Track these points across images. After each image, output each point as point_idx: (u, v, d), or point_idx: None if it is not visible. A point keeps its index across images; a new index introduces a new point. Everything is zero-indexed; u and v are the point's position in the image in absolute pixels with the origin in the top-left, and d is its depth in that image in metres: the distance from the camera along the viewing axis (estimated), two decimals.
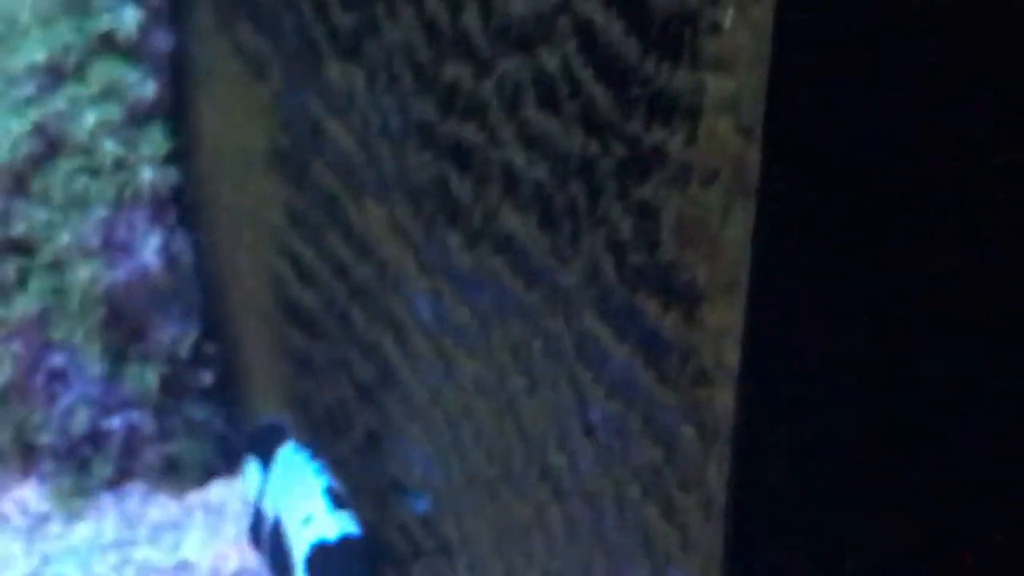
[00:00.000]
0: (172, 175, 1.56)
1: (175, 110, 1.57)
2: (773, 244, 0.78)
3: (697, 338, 0.85)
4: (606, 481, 0.96)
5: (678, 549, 0.90)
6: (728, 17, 0.79)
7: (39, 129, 1.56)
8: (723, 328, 0.83)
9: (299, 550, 1.31)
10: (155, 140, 1.57)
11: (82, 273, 1.55)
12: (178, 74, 1.55)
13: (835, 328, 0.82)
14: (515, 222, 1.02)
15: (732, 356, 0.82)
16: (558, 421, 1.01)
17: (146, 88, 1.56)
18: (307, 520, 1.32)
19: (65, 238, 1.56)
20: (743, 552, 0.87)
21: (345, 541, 1.30)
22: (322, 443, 1.40)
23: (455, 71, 1.07)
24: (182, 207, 1.57)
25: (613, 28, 0.89)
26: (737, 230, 0.80)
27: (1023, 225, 0.81)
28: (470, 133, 1.06)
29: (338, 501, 1.33)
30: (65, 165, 1.57)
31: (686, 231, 0.85)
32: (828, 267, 0.80)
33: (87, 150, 1.57)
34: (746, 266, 0.80)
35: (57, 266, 1.56)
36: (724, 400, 0.84)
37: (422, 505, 1.23)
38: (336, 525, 1.30)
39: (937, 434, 0.85)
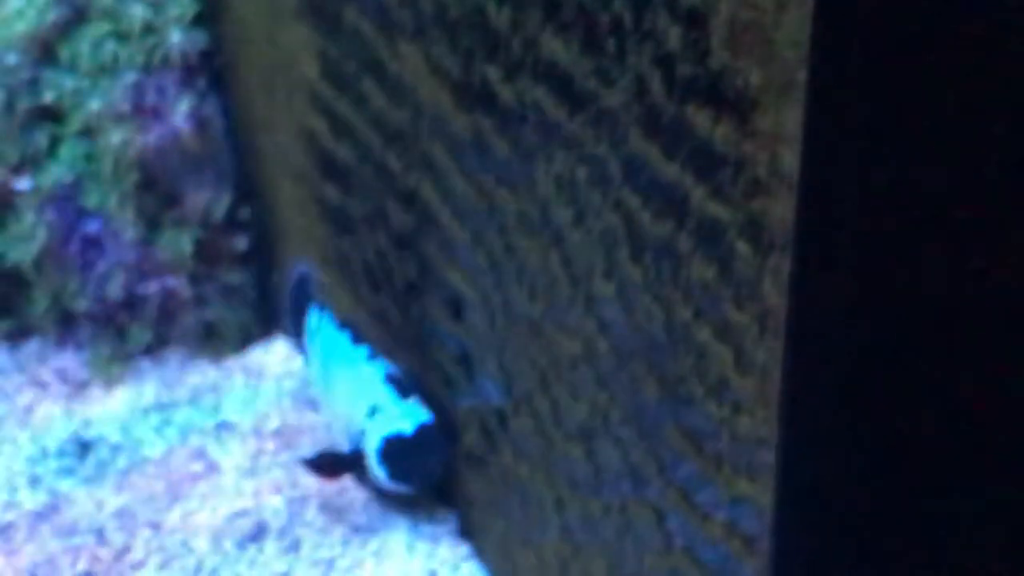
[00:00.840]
0: (201, 38, 1.54)
1: None
2: (832, 41, 0.76)
3: (751, 147, 0.83)
4: (656, 307, 0.94)
5: (732, 369, 0.88)
6: None
7: None
8: (778, 134, 0.80)
9: (370, 442, 1.29)
10: (183, 2, 1.54)
11: (113, 139, 1.53)
12: None
13: (899, 138, 0.80)
14: (557, 47, 0.99)
15: (790, 163, 0.80)
16: (605, 250, 0.99)
17: None
18: (373, 412, 1.30)
19: (95, 105, 1.54)
20: (799, 370, 0.85)
21: (421, 431, 1.28)
22: (360, 298, 1.38)
23: None
24: (212, 70, 1.55)
25: None
26: (792, 29, 0.77)
27: None
28: None
29: (402, 389, 1.31)
30: (92, 31, 1.55)
31: (737, 35, 0.82)
32: (894, 70, 0.78)
33: (114, 15, 1.55)
34: (804, 65, 0.77)
35: (88, 133, 1.55)
36: (781, 210, 0.81)
37: (465, 350, 1.21)
38: (408, 417, 1.29)
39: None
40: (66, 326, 1.56)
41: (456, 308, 1.21)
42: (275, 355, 1.55)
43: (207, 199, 1.56)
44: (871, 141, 0.79)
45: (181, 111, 1.54)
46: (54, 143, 1.55)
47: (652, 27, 0.89)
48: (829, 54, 0.77)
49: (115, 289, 1.54)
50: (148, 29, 1.54)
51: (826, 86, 0.78)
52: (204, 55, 1.55)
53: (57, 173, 1.54)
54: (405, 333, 1.32)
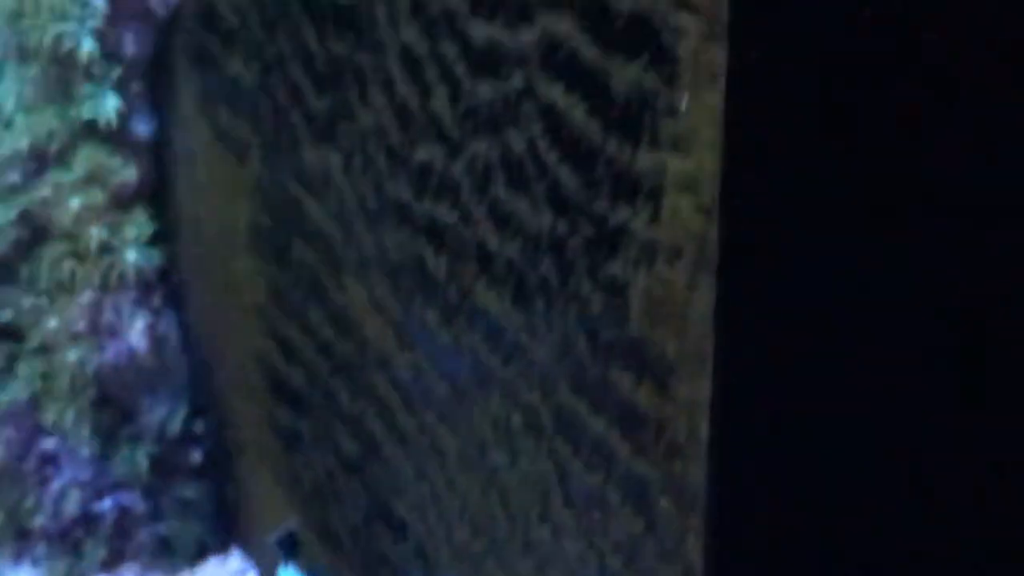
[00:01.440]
0: (156, 257, 1.59)
1: (158, 193, 1.59)
2: (736, 318, 0.81)
3: (669, 411, 0.87)
4: (591, 553, 0.98)
5: None
6: (684, 101, 0.82)
7: (25, 216, 1.59)
8: (693, 401, 0.85)
9: None
10: (139, 223, 1.59)
11: (70, 357, 1.57)
12: (160, 158, 1.58)
13: (802, 396, 0.84)
14: (490, 299, 1.04)
15: (703, 428, 0.84)
16: (540, 494, 1.02)
17: (129, 173, 1.58)
18: None
19: (53, 323, 1.58)
20: None
21: None
22: (311, 518, 1.41)
23: (427, 152, 1.09)
24: (167, 288, 1.59)
25: (576, 111, 0.92)
26: (702, 305, 0.82)
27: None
28: (443, 212, 1.08)
29: None
30: (51, 251, 1.59)
31: (654, 307, 0.87)
32: (791, 337, 0.82)
33: (72, 235, 1.59)
34: (711, 340, 0.82)
35: (46, 351, 1.58)
36: (697, 472, 0.86)
37: None
38: None
39: (918, 492, 0.87)
40: (22, 542, 1.59)
41: (403, 536, 1.25)
42: (230, 568, 1.57)
43: (162, 414, 1.59)
44: (781, 413, 0.84)
45: (137, 329, 1.58)
46: (11, 361, 1.59)
47: (577, 291, 0.94)
48: (735, 330, 0.82)
49: (71, 506, 1.56)
50: (105, 249, 1.59)
51: (734, 358, 0.82)
52: (160, 273, 1.60)
53: (15, 391, 1.58)
54: (354, 556, 1.35)
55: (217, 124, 1.44)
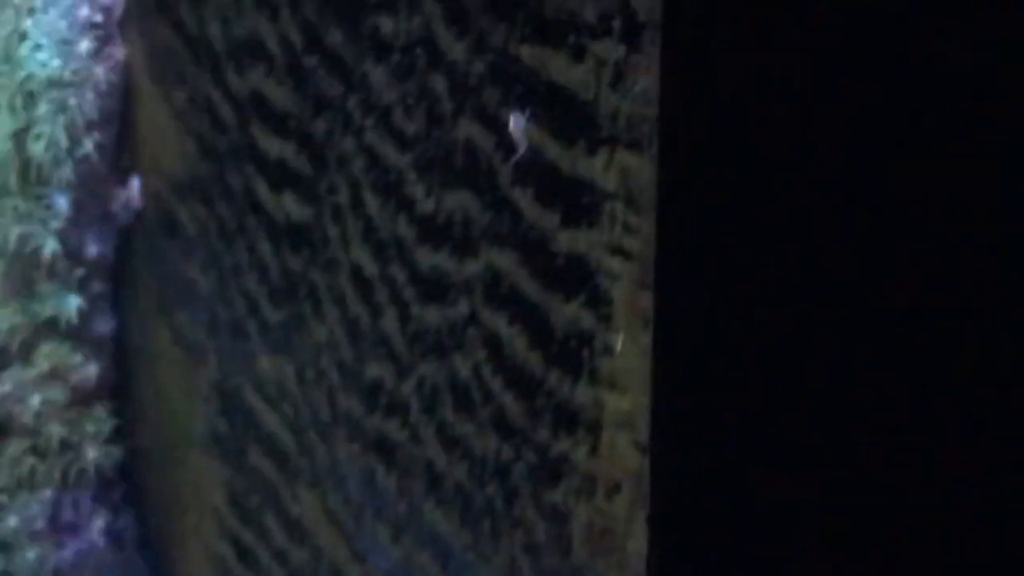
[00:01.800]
0: (116, 454, 1.60)
1: (118, 391, 1.61)
2: (671, 557, 0.83)
3: None
4: None
5: None
6: (619, 341, 0.85)
7: None
8: None
9: None
10: (99, 420, 1.61)
11: (30, 555, 1.58)
12: (121, 356, 1.60)
13: None
14: (438, 517, 1.06)
15: None
16: None
17: (89, 370, 1.61)
18: None
19: (12, 521, 1.59)
20: None
21: None
22: None
23: (378, 370, 1.12)
24: (127, 485, 1.61)
25: (518, 341, 0.95)
26: (639, 542, 0.85)
27: None
28: (393, 430, 1.11)
29: None
30: (11, 448, 1.61)
31: (595, 538, 0.89)
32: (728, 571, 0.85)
33: (33, 432, 1.61)
34: None
35: (5, 549, 1.59)
36: None
37: None
38: None
39: None
40: None
41: None
42: None
43: None
44: None
45: (97, 526, 1.59)
46: None
47: (522, 516, 0.96)
48: (671, 569, 0.84)
49: None
50: (65, 446, 1.61)
51: None
52: (119, 469, 1.61)
53: None
54: None
55: (175, 327, 1.47)
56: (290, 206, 1.21)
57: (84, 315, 1.59)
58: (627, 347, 0.84)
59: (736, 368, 0.82)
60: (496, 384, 0.97)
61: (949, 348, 0.87)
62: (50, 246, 1.57)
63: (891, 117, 0.83)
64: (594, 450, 0.88)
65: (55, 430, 1.60)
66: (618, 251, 0.85)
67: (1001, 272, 0.87)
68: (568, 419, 0.91)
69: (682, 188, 0.81)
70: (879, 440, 0.86)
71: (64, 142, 1.53)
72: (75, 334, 1.61)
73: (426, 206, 1.03)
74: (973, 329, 0.86)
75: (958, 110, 0.84)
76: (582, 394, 0.89)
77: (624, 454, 0.86)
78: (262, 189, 1.25)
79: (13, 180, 1.58)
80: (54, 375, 1.61)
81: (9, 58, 1.58)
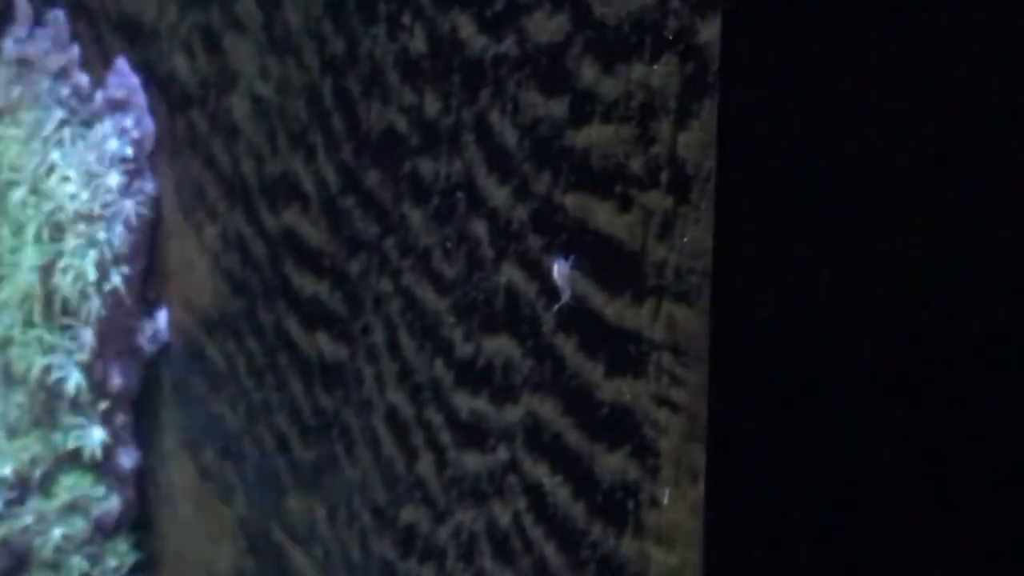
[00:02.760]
0: None
1: (140, 525, 1.59)
2: None
3: None
4: None
5: None
6: (666, 494, 0.84)
7: (6, 544, 1.59)
8: None
9: None
10: (120, 553, 1.59)
11: None
12: (144, 490, 1.59)
13: None
14: None
15: None
16: None
17: (111, 503, 1.59)
18: None
19: None
20: None
21: None
22: None
23: (412, 515, 1.11)
24: None
25: (561, 491, 0.93)
26: None
27: None
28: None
29: None
30: None
31: None
32: None
33: (54, 565, 1.59)
34: None
35: None
36: None
37: None
38: None
39: None
40: None
41: None
42: None
43: None
44: None
45: None
46: None
47: None
48: None
49: None
50: None
51: None
52: None
53: None
54: None
55: (201, 463, 1.46)
56: (323, 345, 1.20)
57: (107, 448, 1.58)
58: (675, 500, 0.83)
59: (791, 524, 0.80)
60: (537, 533, 0.96)
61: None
62: (74, 378, 1.57)
63: (950, 245, 0.82)
64: None
65: (76, 563, 1.59)
66: (665, 402, 0.84)
67: None
68: (613, 573, 0.89)
69: (733, 339, 0.80)
70: None
71: (92, 276, 1.52)
72: (98, 467, 1.60)
73: (465, 350, 1.02)
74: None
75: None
76: (627, 547, 0.88)
77: None
78: (294, 327, 1.24)
79: (38, 311, 1.57)
80: (75, 507, 1.60)
81: (37, 190, 1.59)
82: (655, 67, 0.82)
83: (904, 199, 0.82)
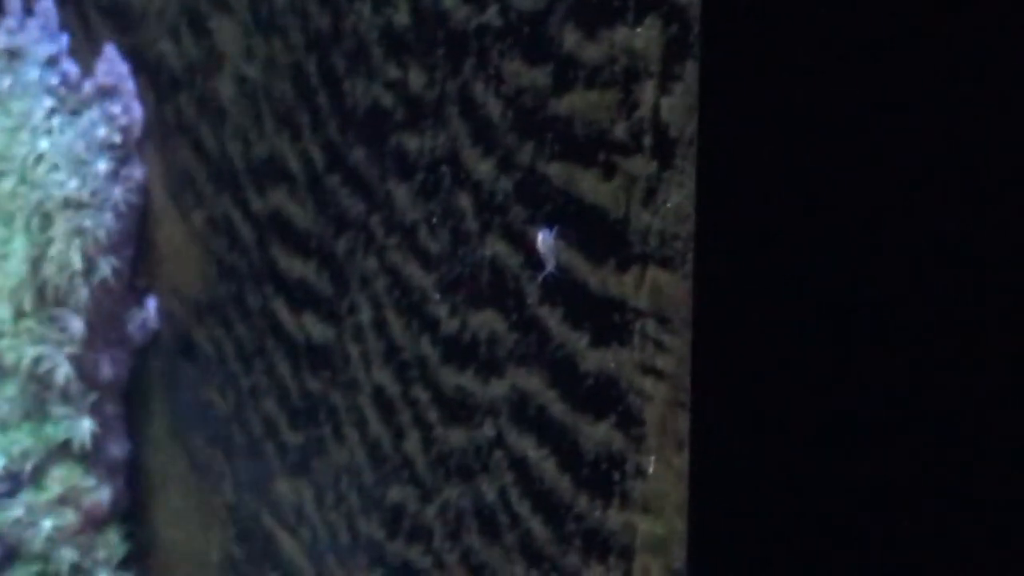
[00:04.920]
0: None
1: (131, 515, 1.58)
2: None
3: None
4: None
5: None
6: (652, 463, 0.83)
7: None
8: None
9: None
10: (111, 544, 1.58)
11: None
12: (133, 480, 1.58)
13: None
14: None
15: None
16: None
17: (102, 494, 1.58)
18: None
19: None
20: None
21: None
22: None
23: (400, 494, 1.10)
24: None
25: (546, 465, 0.93)
26: None
27: None
28: (416, 556, 1.08)
29: None
30: (21, 572, 1.58)
31: None
32: None
33: (43, 557, 1.58)
34: None
35: None
36: None
37: None
38: None
39: None
40: None
41: None
42: None
43: None
44: None
45: None
46: None
47: None
48: None
49: None
50: (77, 571, 1.58)
51: None
52: None
53: None
54: None
55: (191, 450, 1.45)
56: (311, 327, 1.19)
57: (97, 438, 1.57)
58: (660, 469, 0.82)
59: (774, 490, 0.79)
60: (523, 508, 0.95)
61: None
62: (63, 369, 1.56)
63: (931, 218, 0.82)
64: None
65: (66, 555, 1.58)
66: (650, 370, 0.83)
67: None
68: (599, 545, 0.88)
69: (717, 305, 0.79)
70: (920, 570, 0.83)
71: (79, 265, 1.51)
72: (88, 458, 1.59)
73: (450, 326, 1.01)
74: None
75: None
76: (613, 518, 0.87)
77: None
78: (282, 310, 1.23)
79: (29, 302, 1.56)
80: (66, 499, 1.59)
81: (26, 179, 1.58)
82: (638, 30, 0.81)
83: (890, 164, 0.81)
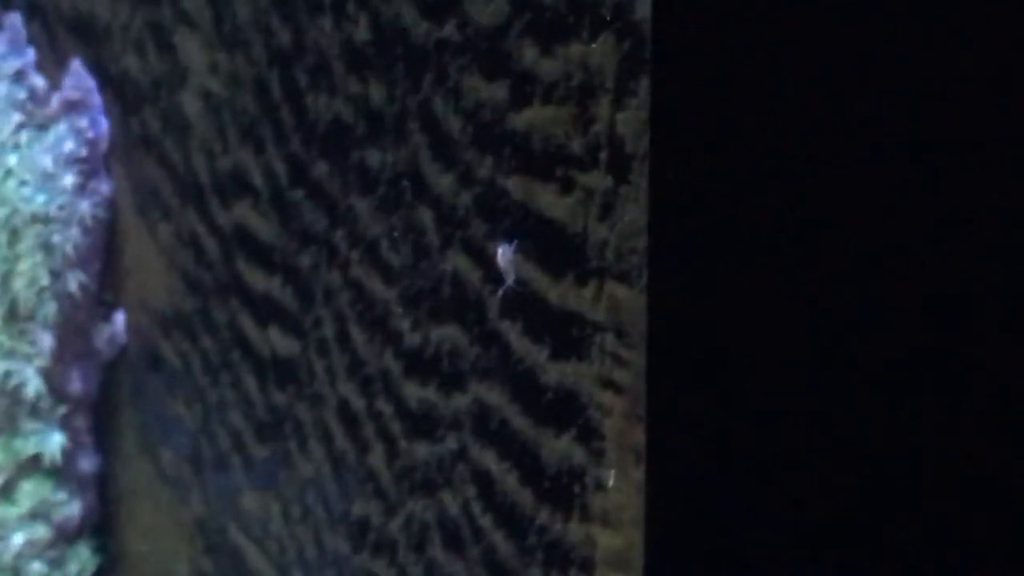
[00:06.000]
0: None
1: (101, 529, 1.58)
2: None
3: None
4: None
5: None
6: (611, 476, 0.83)
7: None
8: None
9: None
10: (82, 558, 1.58)
11: None
12: (104, 494, 1.58)
13: None
14: None
15: None
16: None
17: (72, 508, 1.58)
18: None
19: None
20: None
21: None
22: None
23: (364, 508, 1.10)
24: None
25: (509, 478, 0.93)
26: None
27: None
28: (381, 569, 1.08)
29: None
30: None
31: None
32: None
33: (14, 571, 1.58)
34: None
35: None
36: None
37: None
38: None
39: None
40: None
41: None
42: None
43: None
44: None
45: None
46: None
47: None
48: None
49: None
50: None
51: None
52: None
53: None
54: None
55: (159, 463, 1.45)
56: (276, 340, 1.20)
57: (67, 453, 1.57)
58: (619, 482, 0.83)
59: (732, 504, 0.80)
60: (486, 521, 0.95)
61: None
62: (33, 384, 1.55)
63: (890, 248, 0.82)
64: None
65: (37, 569, 1.58)
66: (609, 384, 0.83)
67: None
68: (560, 557, 0.88)
69: (672, 318, 0.80)
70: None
71: (47, 279, 1.51)
72: (58, 472, 1.59)
73: (413, 340, 1.02)
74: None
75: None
76: (574, 531, 0.87)
77: None
78: (247, 324, 1.24)
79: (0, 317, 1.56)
80: (37, 513, 1.59)
81: None
82: (593, 46, 0.81)
83: (843, 173, 0.81)
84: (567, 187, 0.85)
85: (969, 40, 0.81)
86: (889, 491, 0.83)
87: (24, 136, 1.57)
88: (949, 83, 0.82)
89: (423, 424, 1.01)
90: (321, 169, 1.10)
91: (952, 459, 0.85)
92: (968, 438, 0.86)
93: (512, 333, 0.91)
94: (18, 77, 1.61)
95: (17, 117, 1.59)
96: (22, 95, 1.59)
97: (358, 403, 1.09)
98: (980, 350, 0.85)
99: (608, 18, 0.80)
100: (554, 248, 0.87)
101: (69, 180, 1.51)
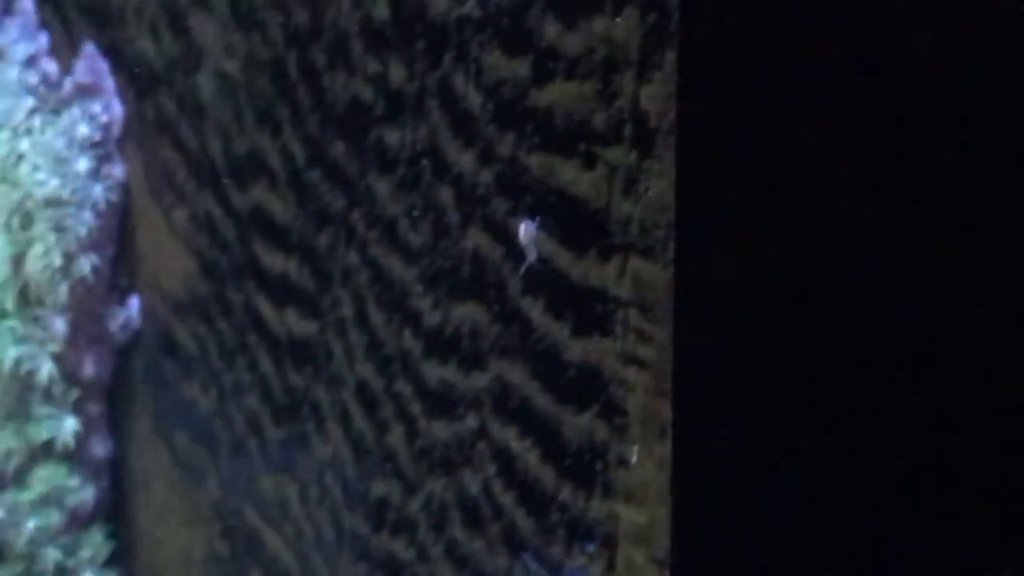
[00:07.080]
0: None
1: (115, 514, 1.58)
2: None
3: None
4: None
5: None
6: (634, 452, 0.83)
7: None
8: None
9: None
10: (95, 544, 1.58)
11: None
12: (117, 479, 1.58)
13: None
14: None
15: None
16: None
17: (86, 493, 1.58)
18: None
19: None
20: None
21: None
22: None
23: (383, 488, 1.10)
24: None
25: (529, 455, 0.93)
26: None
27: None
28: (400, 549, 1.08)
29: None
30: (5, 573, 1.58)
31: None
32: None
33: (28, 557, 1.58)
34: None
35: None
36: None
37: None
38: None
39: None
40: None
41: None
42: None
43: None
44: None
45: None
46: None
47: None
48: None
49: None
50: (61, 570, 1.58)
51: None
52: None
53: None
54: None
55: (174, 448, 1.45)
56: (293, 322, 1.19)
57: (80, 438, 1.57)
58: (643, 458, 0.82)
59: (757, 480, 0.80)
60: (507, 500, 0.95)
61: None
62: (46, 369, 1.55)
63: (912, 207, 0.82)
64: (611, 566, 0.86)
65: (51, 554, 1.57)
66: (632, 360, 0.83)
67: None
68: (582, 535, 0.88)
69: (698, 294, 0.79)
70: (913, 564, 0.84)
71: (60, 263, 1.51)
72: (71, 457, 1.58)
73: (432, 319, 1.02)
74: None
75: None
76: (596, 509, 0.87)
77: (642, 570, 0.83)
78: (264, 306, 1.23)
79: (11, 302, 1.56)
80: (50, 499, 1.59)
81: (6, 178, 1.57)
82: (617, 20, 0.81)
83: (874, 153, 0.81)
84: (590, 163, 0.85)
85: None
86: (917, 465, 0.83)
87: (37, 120, 1.56)
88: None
89: (443, 403, 1.01)
90: (339, 149, 1.10)
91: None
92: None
93: (534, 310, 0.91)
94: (30, 62, 1.60)
95: (30, 102, 1.58)
96: (34, 79, 1.59)
97: (377, 384, 1.09)
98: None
99: None
100: (577, 224, 0.87)
101: (82, 164, 1.51)
